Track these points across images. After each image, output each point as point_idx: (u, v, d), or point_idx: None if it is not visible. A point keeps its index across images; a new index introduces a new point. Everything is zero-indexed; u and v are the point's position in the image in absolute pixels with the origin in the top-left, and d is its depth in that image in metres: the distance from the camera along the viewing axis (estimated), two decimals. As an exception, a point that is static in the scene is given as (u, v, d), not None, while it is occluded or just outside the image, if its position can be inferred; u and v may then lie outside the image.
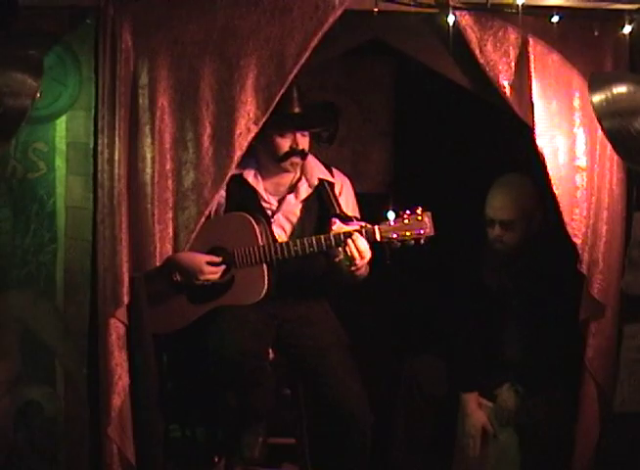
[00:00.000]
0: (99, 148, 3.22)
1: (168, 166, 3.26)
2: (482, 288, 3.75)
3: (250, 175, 3.54)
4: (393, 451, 3.81)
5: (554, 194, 3.35)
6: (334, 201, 3.54)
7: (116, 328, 3.25)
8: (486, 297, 3.73)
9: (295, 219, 3.55)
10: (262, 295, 3.43)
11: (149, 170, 3.23)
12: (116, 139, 3.19)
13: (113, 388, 3.25)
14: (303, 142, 3.47)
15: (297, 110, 3.45)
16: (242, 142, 3.24)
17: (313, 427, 3.66)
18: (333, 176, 3.62)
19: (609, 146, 3.26)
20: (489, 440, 3.67)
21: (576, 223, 3.37)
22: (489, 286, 3.74)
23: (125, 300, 3.22)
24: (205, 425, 3.95)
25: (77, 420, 3.33)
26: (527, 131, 3.34)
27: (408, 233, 3.31)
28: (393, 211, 3.33)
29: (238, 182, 3.52)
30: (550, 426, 3.54)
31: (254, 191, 3.55)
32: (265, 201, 3.55)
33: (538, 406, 3.58)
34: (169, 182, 3.27)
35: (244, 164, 3.48)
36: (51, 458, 3.34)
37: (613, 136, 3.10)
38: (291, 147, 3.45)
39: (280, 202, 3.56)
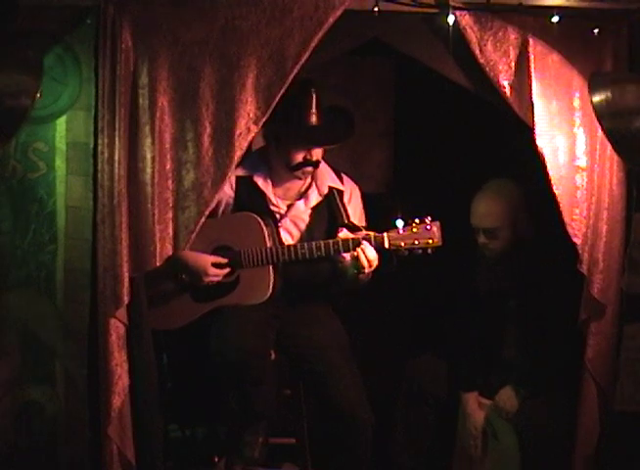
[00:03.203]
0: (99, 148, 3.22)
1: (168, 166, 3.26)
2: (478, 290, 3.76)
3: (259, 179, 3.54)
4: (393, 451, 3.81)
5: (554, 194, 3.35)
6: (342, 210, 3.55)
7: (116, 328, 3.25)
8: (484, 298, 3.73)
9: (303, 225, 3.56)
10: (267, 296, 3.43)
11: (149, 170, 3.23)
12: (116, 139, 3.18)
13: (113, 388, 3.25)
14: (317, 153, 3.47)
15: (314, 121, 3.44)
16: (242, 142, 3.23)
17: (313, 427, 3.67)
18: (343, 184, 3.62)
19: (609, 146, 3.27)
20: (489, 440, 3.67)
21: (576, 223, 3.37)
22: (481, 289, 3.74)
23: (125, 300, 3.22)
24: (206, 425, 3.96)
25: (77, 420, 3.33)
26: (527, 131, 3.34)
27: (416, 242, 3.33)
28: (402, 219, 3.34)
29: (247, 184, 3.52)
30: (550, 426, 3.55)
31: (263, 194, 3.54)
32: (274, 205, 3.55)
33: (538, 407, 3.58)
34: (169, 182, 3.27)
35: (255, 166, 3.49)
36: (51, 458, 3.34)
37: (613, 136, 3.10)
38: (304, 158, 3.46)
39: (289, 207, 3.57)
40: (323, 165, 3.59)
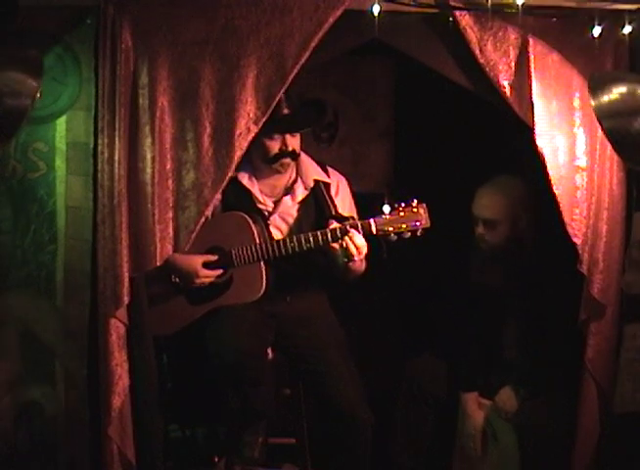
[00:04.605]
0: (99, 148, 3.22)
1: (168, 166, 3.26)
2: (473, 286, 3.76)
3: (244, 178, 3.54)
4: (393, 451, 3.81)
5: (554, 194, 3.35)
6: (330, 202, 3.55)
7: (116, 328, 3.25)
8: (479, 296, 3.73)
9: (291, 221, 3.55)
10: (261, 293, 3.43)
11: (149, 170, 3.23)
12: (116, 139, 3.18)
13: (113, 388, 3.24)
14: (293, 143, 3.47)
15: (285, 111, 3.44)
16: (242, 142, 3.23)
17: (313, 427, 3.67)
18: (328, 176, 3.62)
19: (609, 146, 3.26)
20: (489, 440, 3.67)
21: (576, 223, 3.37)
22: (477, 284, 3.74)
23: (125, 300, 3.22)
24: (206, 425, 3.96)
25: (77, 420, 3.33)
26: (527, 131, 3.34)
27: (404, 225, 3.32)
28: (389, 204, 3.34)
29: (233, 184, 3.51)
30: (550, 426, 3.55)
31: (249, 193, 3.55)
32: (261, 202, 3.55)
33: (538, 407, 3.58)
34: (169, 182, 3.27)
35: (238, 166, 3.48)
36: (51, 458, 3.34)
37: (613, 136, 3.10)
38: (280, 149, 3.46)
39: (276, 203, 3.57)
40: (307, 159, 3.60)
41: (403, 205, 3.33)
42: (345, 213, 3.51)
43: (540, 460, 3.55)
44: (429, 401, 3.77)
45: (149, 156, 3.22)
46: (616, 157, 3.34)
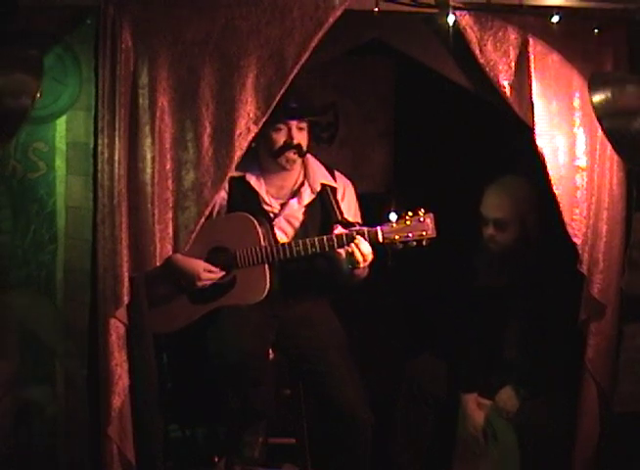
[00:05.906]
0: (99, 148, 3.22)
1: (168, 166, 3.26)
2: (479, 288, 3.75)
3: (252, 178, 3.55)
4: (393, 451, 3.81)
5: (554, 194, 3.35)
6: (336, 207, 3.55)
7: (116, 328, 3.25)
8: (482, 297, 3.73)
9: (297, 224, 3.56)
10: (264, 295, 3.43)
11: (149, 170, 3.22)
12: (116, 139, 3.18)
13: (113, 388, 3.24)
14: (299, 137, 3.47)
15: (293, 105, 3.44)
16: (242, 142, 3.23)
17: (313, 427, 3.67)
18: (335, 180, 3.62)
19: (609, 146, 3.27)
20: (489, 440, 3.67)
21: (576, 223, 3.38)
22: (483, 286, 3.74)
23: (125, 300, 3.22)
24: (206, 425, 3.96)
25: (77, 420, 3.33)
26: (527, 131, 3.34)
27: (410, 235, 3.33)
28: (395, 212, 3.34)
29: (240, 184, 3.52)
30: (550, 426, 3.54)
31: (256, 194, 3.55)
32: (267, 204, 3.56)
33: (538, 407, 3.58)
34: (169, 182, 3.27)
35: (246, 166, 3.49)
36: (51, 458, 3.34)
37: (613, 136, 3.10)
38: (285, 141, 3.46)
39: (282, 206, 3.57)
40: (315, 163, 3.60)
41: (410, 213, 3.34)
42: (351, 219, 3.52)
43: (540, 460, 3.55)
44: (429, 402, 3.77)
45: (149, 156, 3.22)
46: (616, 157, 3.35)
